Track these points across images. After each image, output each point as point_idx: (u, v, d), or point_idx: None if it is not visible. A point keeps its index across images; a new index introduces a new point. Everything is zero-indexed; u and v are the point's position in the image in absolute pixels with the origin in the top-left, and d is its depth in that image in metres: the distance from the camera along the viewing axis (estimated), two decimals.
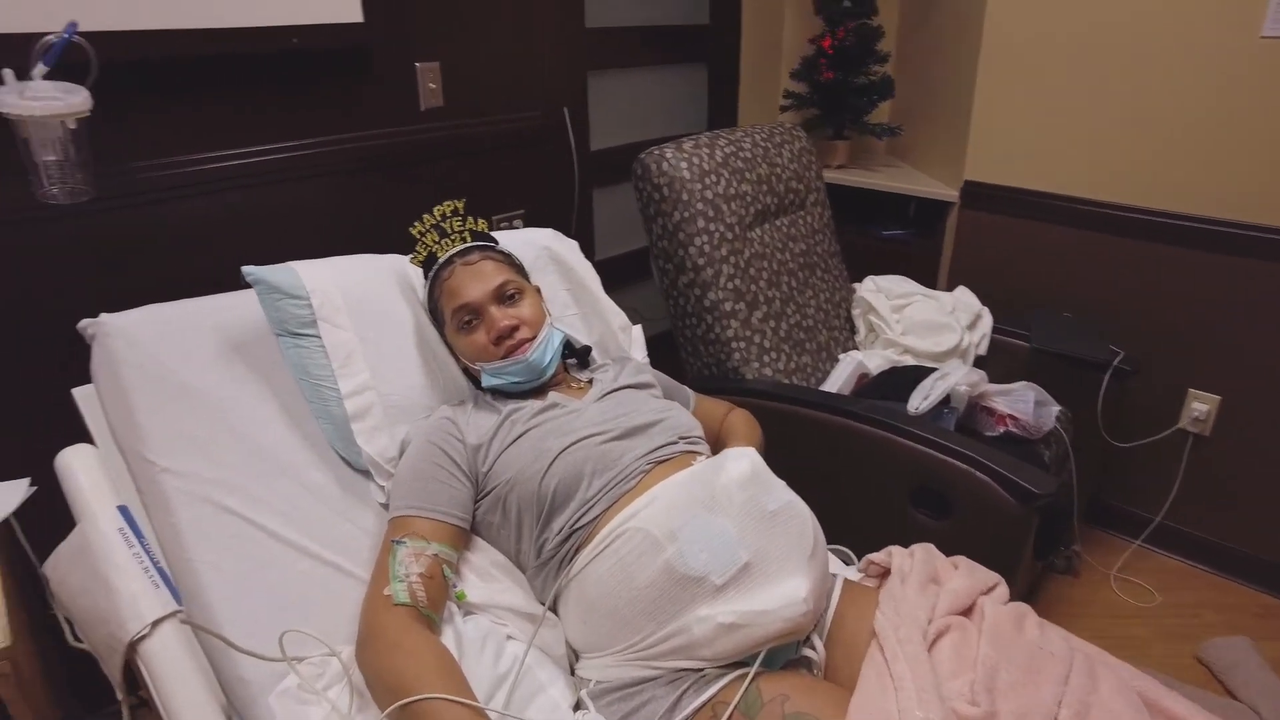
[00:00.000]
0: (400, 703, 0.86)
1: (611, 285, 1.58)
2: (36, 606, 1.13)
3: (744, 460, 1.05)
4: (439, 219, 1.29)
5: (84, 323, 1.19)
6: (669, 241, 1.86)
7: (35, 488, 1.19)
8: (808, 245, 2.13)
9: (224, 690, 1.00)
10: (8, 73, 1.23)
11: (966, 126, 2.26)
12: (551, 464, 1.09)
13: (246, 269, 1.21)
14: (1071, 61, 2.04)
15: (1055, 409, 1.80)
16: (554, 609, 1.09)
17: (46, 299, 1.42)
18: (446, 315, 1.26)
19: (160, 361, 1.16)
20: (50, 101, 1.23)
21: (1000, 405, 1.75)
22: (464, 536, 1.12)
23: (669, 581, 0.95)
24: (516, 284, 1.26)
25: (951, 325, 2.04)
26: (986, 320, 2.12)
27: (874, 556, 1.20)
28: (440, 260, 1.26)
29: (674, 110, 2.66)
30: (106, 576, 0.80)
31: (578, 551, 1.05)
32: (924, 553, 1.14)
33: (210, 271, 1.34)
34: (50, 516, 1.13)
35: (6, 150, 1.26)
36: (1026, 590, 1.91)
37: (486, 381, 1.25)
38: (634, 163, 1.87)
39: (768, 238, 2.01)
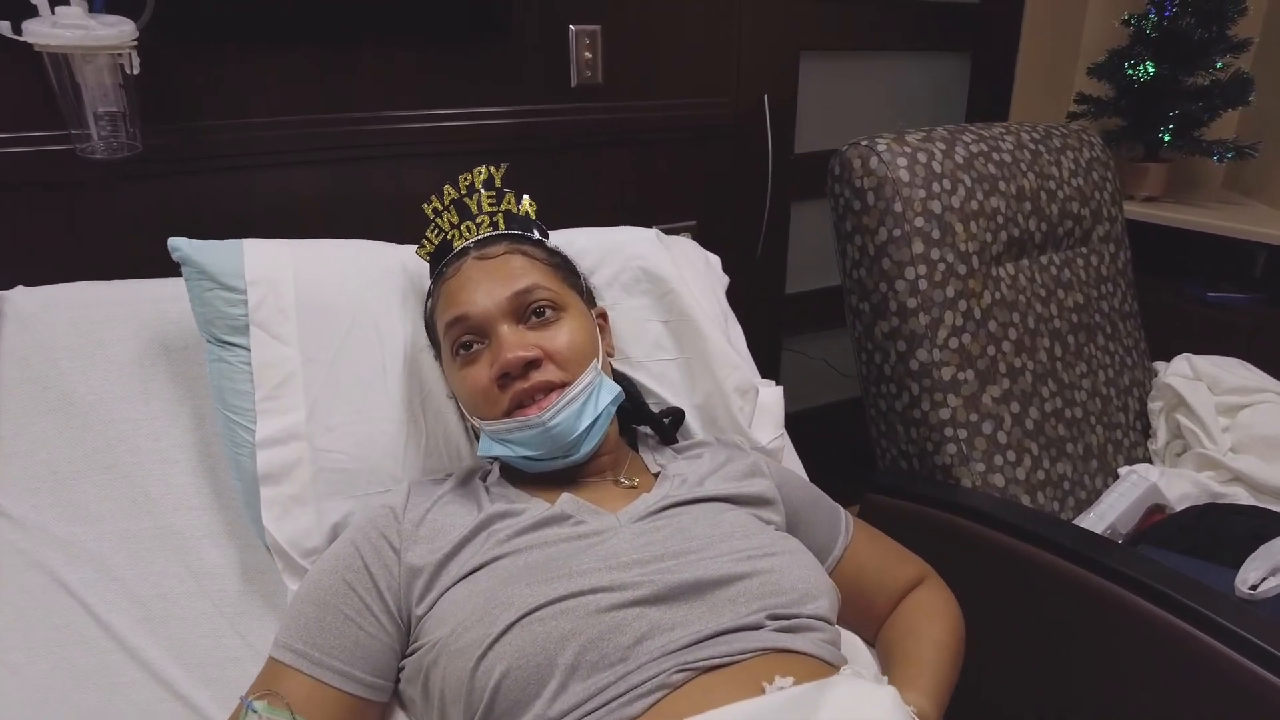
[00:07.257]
0: None
1: (807, 327, 1.09)
2: None
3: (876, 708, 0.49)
4: (465, 190, 0.85)
5: None
6: (868, 270, 1.30)
7: None
8: (1087, 297, 1.46)
9: None
10: (41, 3, 1.00)
11: None
12: (505, 633, 0.60)
13: (174, 241, 0.84)
14: None
15: None
16: None
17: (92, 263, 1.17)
18: (440, 332, 0.82)
19: (54, 359, 0.84)
20: (77, 30, 1.00)
21: None
22: (364, 712, 0.67)
23: None
24: (552, 295, 0.80)
25: None
26: None
27: None
28: (454, 251, 0.83)
29: (919, 110, 2.07)
30: None
31: None
32: None
33: None
34: None
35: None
36: None
37: (484, 448, 0.79)
38: (831, 158, 1.33)
39: (1024, 280, 1.37)
